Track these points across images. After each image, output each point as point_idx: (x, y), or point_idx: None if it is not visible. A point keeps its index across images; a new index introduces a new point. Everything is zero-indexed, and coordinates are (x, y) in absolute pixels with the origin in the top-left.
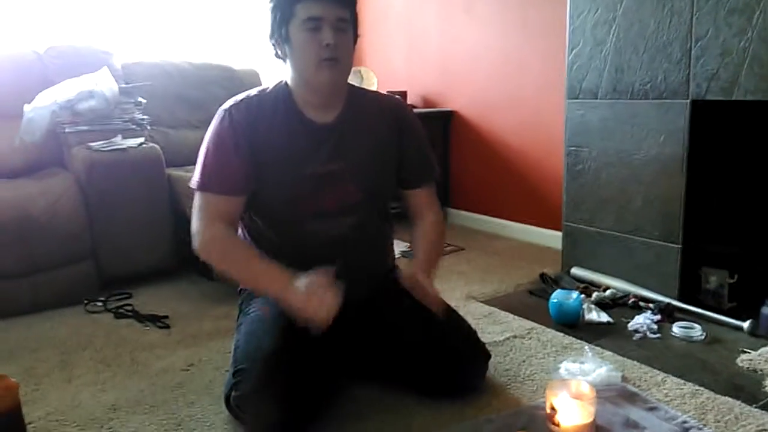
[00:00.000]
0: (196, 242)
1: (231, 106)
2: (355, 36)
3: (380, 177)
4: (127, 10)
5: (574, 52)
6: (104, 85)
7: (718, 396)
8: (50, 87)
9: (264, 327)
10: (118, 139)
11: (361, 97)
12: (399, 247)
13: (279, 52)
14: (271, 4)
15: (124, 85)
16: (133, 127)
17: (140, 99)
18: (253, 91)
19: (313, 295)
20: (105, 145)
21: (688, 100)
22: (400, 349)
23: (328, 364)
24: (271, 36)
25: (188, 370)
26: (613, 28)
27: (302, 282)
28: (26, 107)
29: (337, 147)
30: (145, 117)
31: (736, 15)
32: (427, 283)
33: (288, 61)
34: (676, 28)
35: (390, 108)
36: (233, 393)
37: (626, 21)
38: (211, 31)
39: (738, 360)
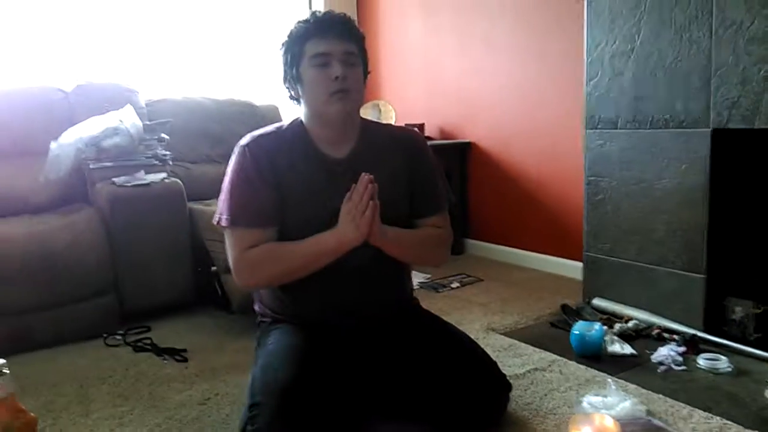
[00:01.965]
0: (237, 277)
1: (249, 141)
2: (366, 71)
3: (395, 209)
4: (152, 48)
5: (592, 82)
6: (128, 122)
7: (747, 430)
8: (76, 124)
9: (281, 360)
10: (141, 174)
11: (375, 130)
12: (417, 278)
13: (293, 93)
14: (282, 49)
15: (147, 122)
16: (156, 162)
17: (163, 135)
18: (270, 128)
19: (353, 216)
20: (128, 181)
21: (709, 129)
22: (419, 382)
23: (346, 398)
24: (285, 79)
25: (205, 404)
26: (632, 58)
27: (342, 215)
28: (52, 144)
29: (353, 181)
30: (167, 153)
31: (756, 43)
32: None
33: (301, 99)
34: (695, 57)
35: (403, 140)
36: (248, 427)
37: (644, 51)
38: (232, 67)
39: (766, 392)
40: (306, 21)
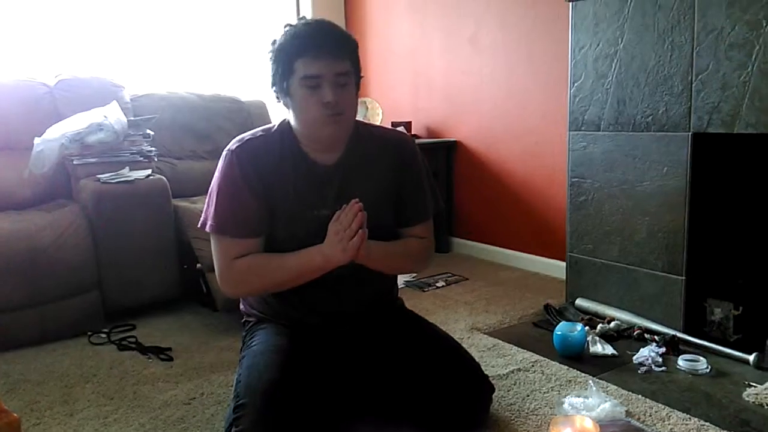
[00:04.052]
0: (223, 286)
1: (236, 147)
2: (358, 82)
3: (379, 219)
4: (136, 42)
5: (576, 84)
6: (113, 117)
7: (724, 431)
8: (60, 119)
9: (266, 361)
10: (126, 171)
11: (366, 135)
12: (402, 277)
13: (281, 102)
14: (271, 56)
15: (132, 118)
16: (141, 159)
17: (148, 131)
18: (258, 131)
19: (341, 238)
20: (112, 177)
21: (690, 133)
22: (402, 383)
23: (330, 399)
24: (273, 85)
25: (190, 403)
26: (615, 61)
27: (330, 235)
28: (36, 140)
29: (341, 190)
30: (152, 149)
31: (736, 49)
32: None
33: (290, 111)
34: (677, 62)
35: (392, 146)
36: (233, 429)
37: (627, 55)
38: (217, 63)
39: (744, 394)
40: (295, 33)
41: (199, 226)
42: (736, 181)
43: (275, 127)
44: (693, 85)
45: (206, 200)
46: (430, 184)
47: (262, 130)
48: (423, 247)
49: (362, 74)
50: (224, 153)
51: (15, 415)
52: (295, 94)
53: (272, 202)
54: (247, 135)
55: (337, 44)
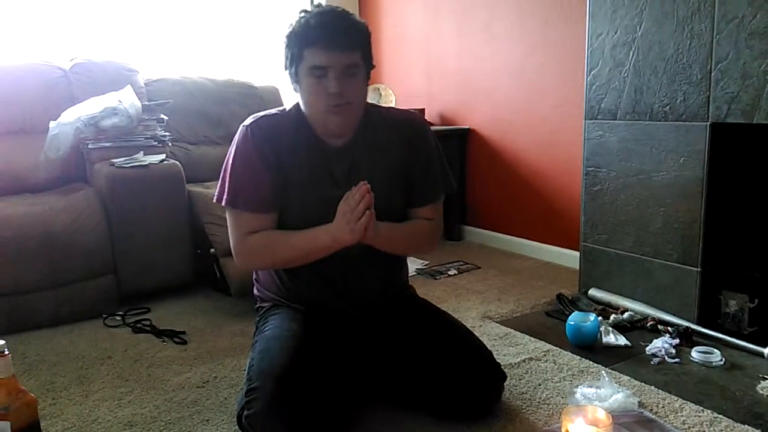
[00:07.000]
0: (237, 258)
1: (252, 123)
2: (368, 71)
3: (391, 198)
4: (151, 27)
5: (592, 72)
6: (128, 102)
7: (737, 424)
8: (75, 103)
9: (278, 346)
10: (140, 155)
11: (377, 117)
12: (414, 264)
13: (293, 85)
14: (285, 40)
15: (147, 103)
16: (155, 143)
17: (162, 116)
18: (273, 111)
19: (348, 219)
20: (127, 162)
21: (708, 123)
22: (414, 370)
23: (342, 385)
24: (285, 68)
25: (204, 387)
26: (633, 49)
27: (338, 216)
28: (51, 123)
29: (351, 171)
30: (166, 134)
31: (757, 38)
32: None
33: (300, 96)
34: (696, 50)
35: (402, 126)
36: (245, 412)
37: (646, 43)
38: (232, 48)
39: (758, 387)
40: (308, 21)
41: (214, 200)
42: (754, 172)
43: (289, 108)
44: (712, 74)
45: (220, 176)
46: (441, 165)
47: (278, 110)
48: (431, 228)
49: (374, 64)
50: (240, 129)
51: (32, 395)
52: (303, 80)
53: (286, 179)
54: (262, 113)
55: (347, 36)
